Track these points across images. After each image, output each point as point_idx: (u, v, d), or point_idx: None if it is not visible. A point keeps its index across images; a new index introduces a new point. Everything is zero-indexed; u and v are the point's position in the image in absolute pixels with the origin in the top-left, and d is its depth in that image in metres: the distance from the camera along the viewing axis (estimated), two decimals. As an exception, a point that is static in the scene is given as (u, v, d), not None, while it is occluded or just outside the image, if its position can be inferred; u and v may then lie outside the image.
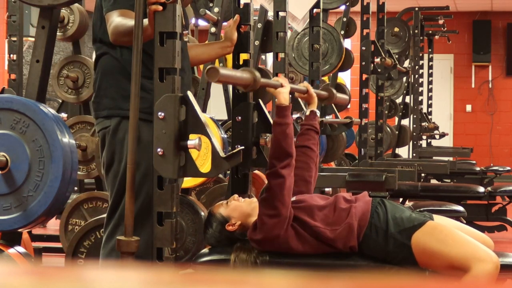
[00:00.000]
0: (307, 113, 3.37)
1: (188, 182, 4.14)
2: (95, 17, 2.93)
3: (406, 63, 9.29)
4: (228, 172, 4.14)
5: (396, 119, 9.39)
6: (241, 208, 3.06)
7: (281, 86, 3.00)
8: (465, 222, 4.13)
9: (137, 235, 2.50)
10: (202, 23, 6.05)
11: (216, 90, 6.34)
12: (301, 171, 3.21)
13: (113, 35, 2.71)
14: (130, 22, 2.62)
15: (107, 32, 2.81)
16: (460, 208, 5.05)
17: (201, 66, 5.00)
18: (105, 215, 2.97)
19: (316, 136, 3.35)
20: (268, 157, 2.98)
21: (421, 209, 4.35)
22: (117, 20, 2.71)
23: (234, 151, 2.53)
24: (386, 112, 7.99)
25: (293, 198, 3.10)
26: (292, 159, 2.95)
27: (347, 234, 2.93)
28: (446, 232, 2.89)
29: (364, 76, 6.13)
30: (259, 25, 5.51)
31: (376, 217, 2.96)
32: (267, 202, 2.92)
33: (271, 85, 2.97)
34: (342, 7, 6.50)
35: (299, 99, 4.09)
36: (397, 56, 7.87)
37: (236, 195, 3.15)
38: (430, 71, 11.02)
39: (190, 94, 2.47)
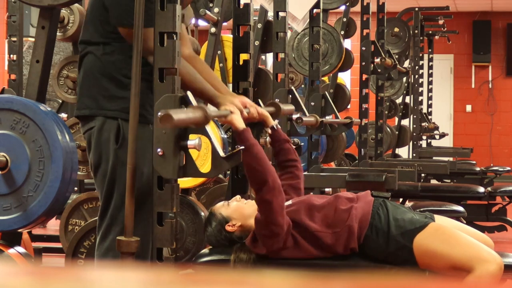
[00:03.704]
0: (269, 131, 3.25)
1: (188, 182, 4.14)
2: (91, 17, 2.86)
3: (406, 63, 9.29)
4: (228, 172, 4.14)
5: (396, 119, 9.39)
6: (242, 210, 3.06)
7: (231, 113, 2.91)
8: (465, 222, 4.13)
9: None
10: (202, 23, 6.04)
11: (216, 90, 6.33)
12: (289, 181, 3.19)
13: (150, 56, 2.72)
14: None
15: (98, 32, 2.78)
16: (460, 208, 5.04)
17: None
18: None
19: (290, 145, 3.25)
20: (250, 183, 2.91)
21: (422, 209, 4.34)
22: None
23: (234, 151, 2.53)
24: (386, 112, 7.99)
25: (289, 202, 3.08)
26: (272, 179, 2.84)
27: (347, 236, 2.93)
28: (449, 234, 2.89)
29: (364, 76, 6.13)
30: (259, 25, 5.51)
31: (377, 218, 2.96)
32: (261, 225, 2.90)
33: (221, 115, 2.83)
34: (342, 7, 6.49)
35: (300, 100, 4.09)
36: (397, 56, 7.87)
37: (238, 196, 3.15)
38: (430, 71, 11.02)
39: (190, 94, 2.47)
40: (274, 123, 3.19)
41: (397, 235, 2.91)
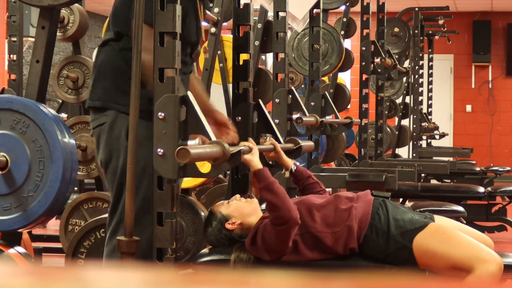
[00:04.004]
0: (287, 175, 3.28)
1: (188, 182, 4.14)
2: (120, 10, 2.85)
3: (406, 63, 9.29)
4: (228, 172, 4.14)
5: (396, 119, 9.39)
6: (242, 208, 3.07)
7: (249, 150, 2.96)
8: (465, 222, 4.14)
9: (139, 234, 2.50)
10: (202, 23, 6.04)
11: (216, 90, 6.34)
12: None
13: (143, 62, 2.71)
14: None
15: (124, 27, 2.78)
16: (460, 208, 5.05)
17: (201, 67, 5.00)
18: (105, 215, 2.97)
19: (313, 179, 3.31)
20: (272, 218, 2.91)
21: (422, 209, 4.34)
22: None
23: (234, 151, 2.53)
24: (386, 112, 7.99)
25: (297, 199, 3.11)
26: (294, 216, 2.88)
27: (347, 236, 2.93)
28: (449, 234, 2.90)
29: (364, 76, 6.13)
30: (259, 25, 5.51)
31: (377, 218, 2.96)
32: (271, 244, 2.92)
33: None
34: (342, 7, 6.49)
35: (300, 100, 4.09)
36: (397, 56, 7.87)
37: (238, 195, 3.16)
38: (430, 71, 11.02)
39: (190, 94, 2.47)
40: (291, 164, 3.22)
41: (397, 235, 2.91)
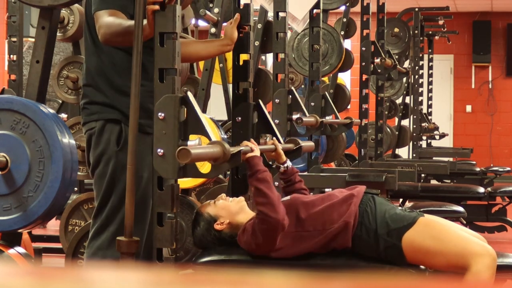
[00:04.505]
0: (282, 169, 3.22)
1: (188, 182, 4.14)
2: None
3: (406, 64, 9.28)
4: (228, 172, 4.14)
5: (396, 119, 9.39)
6: (229, 207, 3.06)
7: (251, 151, 2.95)
8: (465, 222, 4.14)
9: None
10: (202, 23, 6.05)
11: (216, 90, 6.34)
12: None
13: (104, 35, 2.64)
14: (124, 22, 2.61)
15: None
16: (460, 209, 5.04)
17: (201, 67, 5.00)
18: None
19: (300, 177, 3.29)
20: (258, 213, 2.91)
21: (421, 209, 4.34)
22: (109, 20, 2.65)
23: (234, 151, 2.53)
24: (386, 112, 7.99)
25: (288, 197, 3.09)
26: (281, 217, 2.88)
27: (342, 232, 2.91)
28: (439, 228, 2.88)
29: (364, 77, 6.13)
30: (259, 26, 5.51)
31: (366, 217, 2.95)
32: (258, 242, 2.92)
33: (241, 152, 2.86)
34: (342, 8, 6.50)
35: (300, 100, 4.10)
36: (397, 57, 7.86)
37: (223, 195, 3.15)
38: (430, 71, 11.02)
39: (190, 94, 2.47)
40: (287, 160, 3.20)
41: (384, 234, 2.89)
